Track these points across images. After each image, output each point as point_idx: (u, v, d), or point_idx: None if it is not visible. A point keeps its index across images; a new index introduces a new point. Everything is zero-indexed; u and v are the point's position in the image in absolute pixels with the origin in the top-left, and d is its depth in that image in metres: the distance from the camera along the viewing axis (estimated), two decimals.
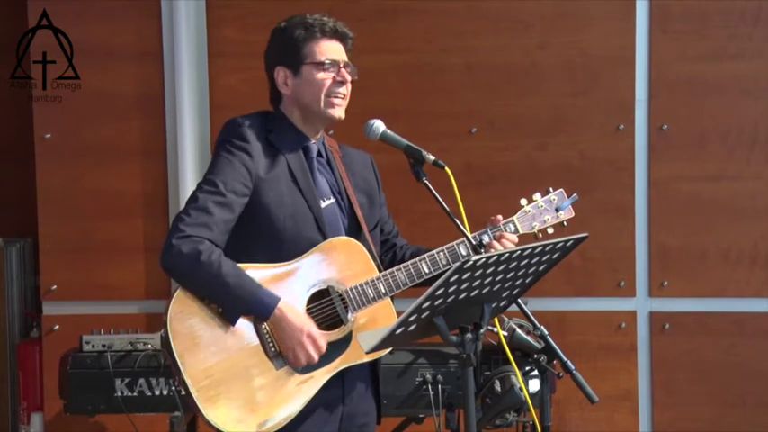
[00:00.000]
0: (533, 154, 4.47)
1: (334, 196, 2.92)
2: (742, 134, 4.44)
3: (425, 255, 2.87)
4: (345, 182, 2.95)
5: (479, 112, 4.48)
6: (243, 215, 2.78)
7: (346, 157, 3.02)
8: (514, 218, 2.97)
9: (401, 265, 2.85)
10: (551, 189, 3.04)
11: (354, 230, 2.91)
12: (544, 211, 3.01)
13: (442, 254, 2.88)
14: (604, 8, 4.45)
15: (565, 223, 3.02)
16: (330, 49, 2.87)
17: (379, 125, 2.86)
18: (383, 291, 2.82)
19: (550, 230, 3.01)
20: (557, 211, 3.01)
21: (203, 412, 2.64)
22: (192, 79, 4.50)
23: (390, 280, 2.83)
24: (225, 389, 2.67)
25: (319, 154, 2.94)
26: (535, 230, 2.99)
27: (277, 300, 2.70)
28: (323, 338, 2.75)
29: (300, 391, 2.73)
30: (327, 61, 2.85)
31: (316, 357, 2.72)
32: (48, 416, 4.55)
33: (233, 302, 2.69)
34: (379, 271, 2.86)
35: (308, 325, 2.73)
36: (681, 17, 4.42)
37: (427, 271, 2.85)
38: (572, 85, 4.47)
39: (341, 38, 2.91)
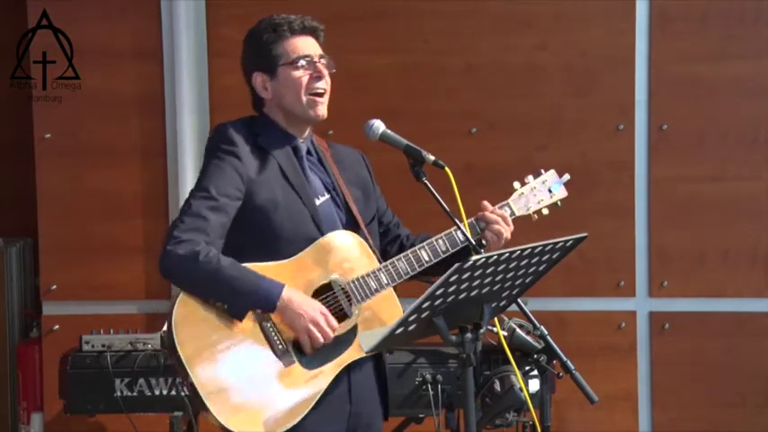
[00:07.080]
0: (533, 154, 4.46)
1: (329, 192, 2.92)
2: (742, 134, 4.44)
3: (425, 243, 2.87)
4: (338, 178, 2.95)
5: (479, 112, 4.48)
6: (239, 218, 2.77)
7: (337, 154, 3.01)
8: (509, 201, 2.98)
9: (401, 255, 2.85)
10: (543, 170, 3.04)
11: (351, 225, 2.90)
12: (538, 192, 3.01)
13: (440, 241, 2.87)
14: (604, 8, 4.46)
15: (559, 203, 3.02)
16: (301, 45, 2.86)
17: (378, 125, 2.85)
18: (385, 281, 2.81)
19: (545, 211, 3.00)
20: (549, 191, 3.02)
21: (215, 416, 2.62)
22: (191, 79, 4.50)
23: (391, 270, 2.82)
24: (235, 391, 2.65)
25: (309, 152, 2.94)
26: (530, 212, 2.98)
27: (281, 287, 2.68)
28: (333, 317, 2.74)
29: (310, 386, 2.72)
30: (300, 58, 2.84)
31: (331, 334, 2.71)
32: (48, 416, 4.55)
33: (237, 297, 2.67)
34: (380, 263, 2.86)
35: (317, 304, 2.72)
36: (681, 17, 4.42)
37: (427, 258, 2.85)
38: (572, 86, 4.47)
39: (311, 32, 2.89)
